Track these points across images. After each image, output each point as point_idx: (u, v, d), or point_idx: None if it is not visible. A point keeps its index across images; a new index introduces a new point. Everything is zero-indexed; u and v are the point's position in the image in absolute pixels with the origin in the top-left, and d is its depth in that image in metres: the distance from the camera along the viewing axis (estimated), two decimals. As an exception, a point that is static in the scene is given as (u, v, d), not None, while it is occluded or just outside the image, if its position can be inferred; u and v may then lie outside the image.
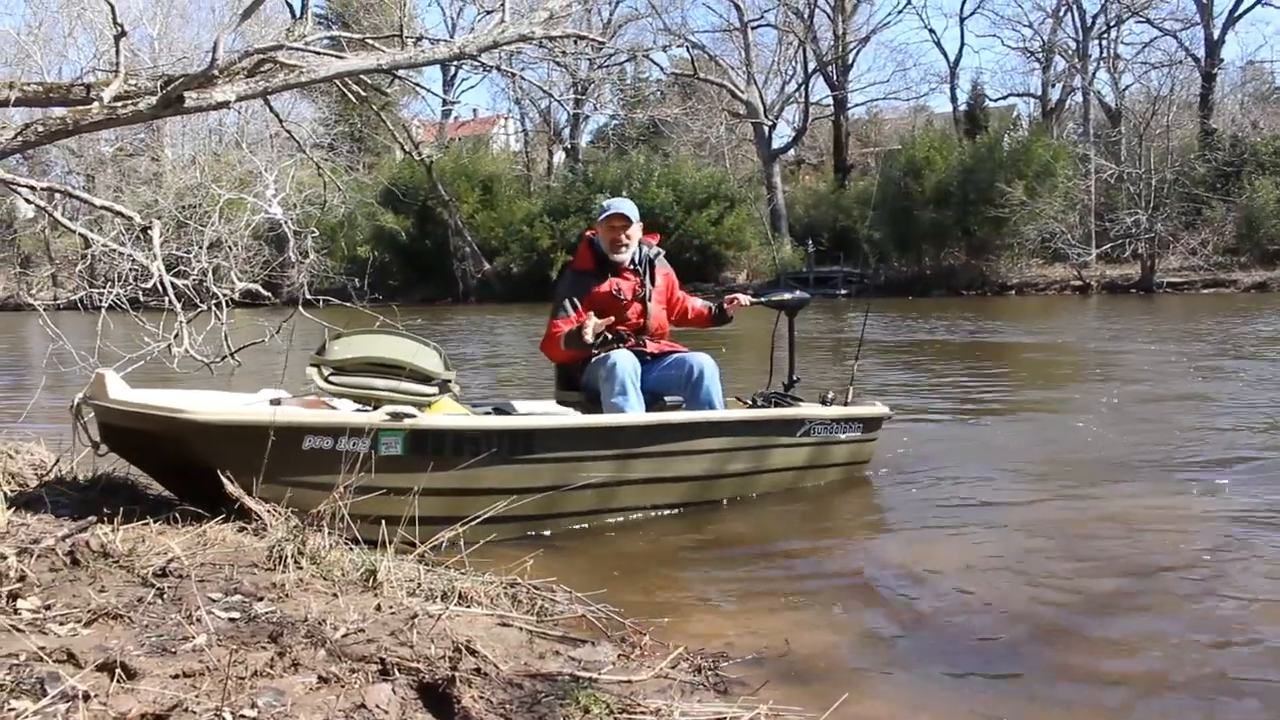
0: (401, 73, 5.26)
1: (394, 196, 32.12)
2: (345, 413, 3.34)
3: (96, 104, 4.11)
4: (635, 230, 4.35)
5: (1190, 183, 29.70)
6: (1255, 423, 6.17)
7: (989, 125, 35.33)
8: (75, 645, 1.95)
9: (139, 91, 4.33)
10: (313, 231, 7.10)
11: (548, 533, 3.73)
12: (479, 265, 34.73)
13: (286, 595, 2.40)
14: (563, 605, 2.65)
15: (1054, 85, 38.12)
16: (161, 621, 2.13)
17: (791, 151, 41.50)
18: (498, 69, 9.21)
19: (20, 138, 4.06)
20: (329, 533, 2.79)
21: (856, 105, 40.93)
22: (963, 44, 70.39)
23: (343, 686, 1.90)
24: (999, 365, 10.80)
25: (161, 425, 3.00)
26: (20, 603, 2.18)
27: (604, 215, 4.35)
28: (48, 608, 2.18)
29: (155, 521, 2.89)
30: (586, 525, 3.85)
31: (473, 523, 2.97)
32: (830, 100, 39.50)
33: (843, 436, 4.68)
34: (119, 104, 4.13)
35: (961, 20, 43.82)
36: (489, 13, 7.46)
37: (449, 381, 3.64)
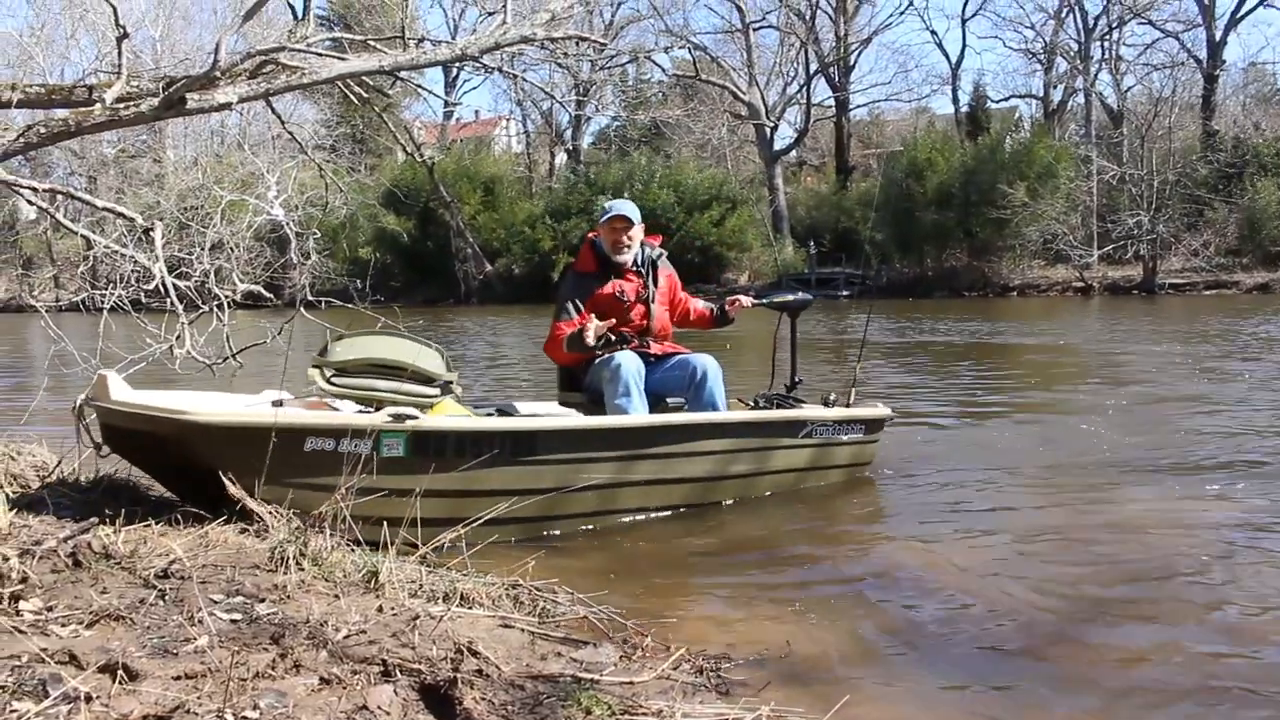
0: (403, 74, 5.28)
1: (396, 198, 32.12)
2: (347, 414, 3.35)
3: (99, 105, 4.12)
4: (637, 232, 4.35)
5: (1192, 184, 29.73)
6: (1260, 425, 6.14)
7: (991, 126, 35.35)
8: (77, 647, 1.95)
9: (141, 93, 4.34)
10: (314, 233, 7.09)
11: (550, 534, 3.73)
12: (480, 267, 34.77)
13: (288, 597, 2.40)
14: (565, 606, 2.65)
15: (1056, 87, 38.17)
16: (163, 623, 2.13)
17: (793, 153, 41.54)
18: (499, 70, 9.21)
19: (22, 139, 4.07)
20: (331, 534, 2.79)
21: (858, 107, 41.11)
22: (964, 45, 70.26)
23: (344, 688, 1.90)
24: (1001, 367, 10.77)
25: (163, 426, 3.00)
26: (22, 604, 2.19)
27: (606, 217, 4.35)
28: (50, 609, 2.18)
29: (157, 523, 2.90)
30: (589, 527, 3.84)
31: (475, 524, 2.96)
32: (832, 101, 39.57)
33: (845, 438, 4.68)
34: (121, 105, 4.15)
35: (963, 21, 44.12)
36: (491, 14, 7.47)
37: (451, 383, 3.64)
